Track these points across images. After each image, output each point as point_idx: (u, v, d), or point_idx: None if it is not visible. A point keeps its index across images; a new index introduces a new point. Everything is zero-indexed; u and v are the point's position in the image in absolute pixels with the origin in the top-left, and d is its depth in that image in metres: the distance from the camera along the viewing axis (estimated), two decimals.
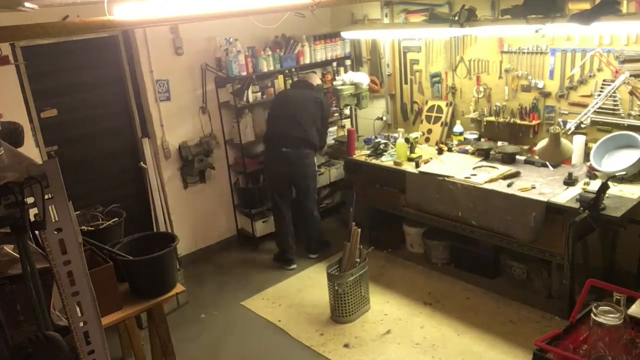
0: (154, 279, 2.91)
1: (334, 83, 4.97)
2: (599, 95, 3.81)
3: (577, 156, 3.95)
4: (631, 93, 3.67)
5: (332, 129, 5.68)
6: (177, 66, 4.77)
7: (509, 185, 3.78)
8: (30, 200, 1.24)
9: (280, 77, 5.18)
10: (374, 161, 4.64)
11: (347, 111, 5.64)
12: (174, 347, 3.19)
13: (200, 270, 4.98)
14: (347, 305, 3.91)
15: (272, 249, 5.22)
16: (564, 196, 3.50)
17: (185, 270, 4.81)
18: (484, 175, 3.99)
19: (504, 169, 4.04)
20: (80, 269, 1.37)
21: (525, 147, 4.32)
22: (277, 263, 4.95)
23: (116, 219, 3.35)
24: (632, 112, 3.70)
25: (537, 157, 4.08)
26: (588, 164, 3.82)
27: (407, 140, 4.50)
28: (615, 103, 3.77)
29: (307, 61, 5.33)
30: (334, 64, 5.59)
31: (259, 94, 5.04)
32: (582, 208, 3.31)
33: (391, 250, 4.91)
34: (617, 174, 3.54)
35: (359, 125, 5.71)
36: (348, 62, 5.60)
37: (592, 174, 3.73)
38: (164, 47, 4.68)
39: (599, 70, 3.81)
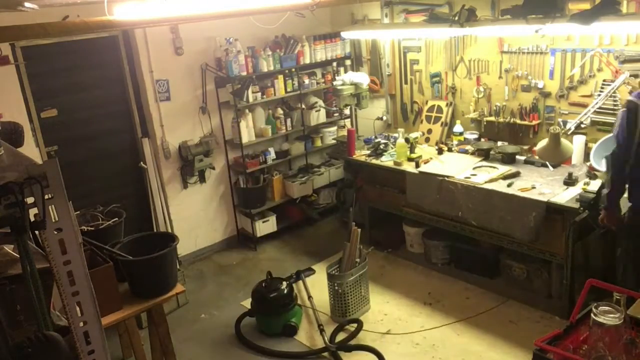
0: (154, 279, 2.91)
1: (334, 83, 4.97)
2: (599, 95, 3.81)
3: (577, 156, 3.95)
4: (631, 93, 3.67)
5: (332, 129, 5.69)
6: (177, 66, 4.77)
7: (509, 185, 3.78)
8: (30, 200, 1.24)
9: (280, 77, 5.18)
10: (374, 161, 4.64)
11: (347, 111, 5.65)
12: (174, 347, 3.19)
13: (200, 270, 4.98)
14: (347, 305, 3.90)
15: (271, 249, 5.23)
16: (564, 196, 3.50)
17: (185, 270, 4.82)
18: (484, 175, 3.99)
19: (504, 169, 4.04)
20: (80, 269, 1.37)
21: (525, 147, 4.32)
22: None
23: (116, 219, 3.35)
24: None
25: (537, 157, 4.08)
26: (588, 164, 3.82)
27: (407, 140, 4.50)
28: (615, 103, 3.76)
29: (307, 61, 5.34)
30: (334, 64, 5.59)
31: (259, 94, 5.04)
32: (582, 208, 3.31)
33: (391, 250, 4.90)
34: None
35: (359, 125, 5.71)
36: (348, 62, 5.60)
37: (592, 174, 3.73)
38: (164, 47, 4.67)
39: (599, 70, 3.81)
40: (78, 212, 3.34)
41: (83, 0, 3.29)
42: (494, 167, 4.11)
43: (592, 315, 2.02)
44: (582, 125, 3.96)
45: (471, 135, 4.63)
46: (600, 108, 3.83)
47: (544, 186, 3.69)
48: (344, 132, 5.31)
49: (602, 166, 3.35)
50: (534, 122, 4.24)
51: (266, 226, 5.29)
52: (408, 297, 4.18)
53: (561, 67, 4.01)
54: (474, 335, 3.66)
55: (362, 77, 4.87)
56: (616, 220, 3.06)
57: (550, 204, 3.48)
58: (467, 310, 3.94)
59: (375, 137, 5.00)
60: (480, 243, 4.27)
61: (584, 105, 3.93)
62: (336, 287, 3.88)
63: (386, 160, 4.57)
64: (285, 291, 3.91)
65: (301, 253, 5.11)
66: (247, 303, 4.29)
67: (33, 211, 1.28)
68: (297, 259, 5.01)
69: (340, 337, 3.76)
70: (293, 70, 5.24)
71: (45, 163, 1.27)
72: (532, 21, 3.38)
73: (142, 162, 4.78)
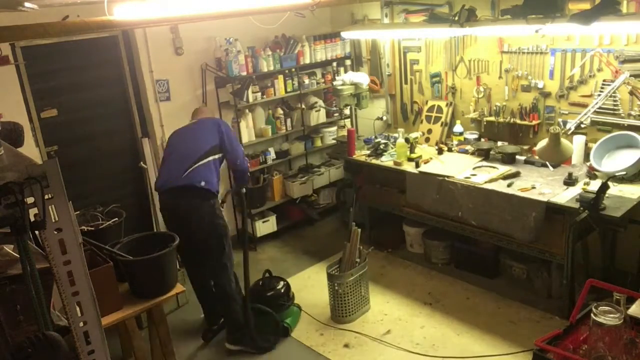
0: (154, 279, 2.91)
1: (334, 83, 4.97)
2: (599, 95, 3.81)
3: (577, 156, 3.95)
4: (631, 93, 3.67)
5: (332, 129, 5.69)
6: (177, 66, 4.77)
7: (509, 185, 3.78)
8: (30, 200, 1.24)
9: (280, 77, 5.18)
10: (374, 161, 4.64)
11: (347, 111, 5.64)
12: (174, 347, 3.19)
13: None
14: (347, 305, 3.90)
15: (271, 249, 5.23)
16: (564, 196, 3.50)
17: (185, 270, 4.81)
18: (484, 175, 3.99)
19: (504, 169, 4.04)
20: (80, 269, 1.37)
21: (525, 147, 4.32)
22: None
23: (116, 219, 3.36)
24: (632, 112, 3.70)
25: (537, 157, 4.08)
26: (588, 164, 3.82)
27: (407, 140, 4.50)
28: (615, 103, 3.76)
29: (307, 61, 5.34)
30: (334, 64, 5.59)
31: (259, 94, 5.04)
32: (582, 208, 3.31)
33: (391, 250, 4.90)
34: (617, 174, 3.54)
35: (359, 125, 5.71)
36: (348, 62, 5.60)
37: (592, 174, 3.73)
38: (164, 47, 4.67)
39: (599, 70, 3.81)
40: (78, 212, 3.34)
41: (83, 0, 3.29)
42: (494, 167, 4.11)
43: (592, 315, 2.02)
44: (582, 125, 3.96)
45: (471, 135, 4.63)
46: (600, 108, 3.83)
47: (544, 186, 3.69)
48: (344, 132, 5.31)
49: (602, 166, 3.24)
50: (534, 122, 4.24)
51: (266, 226, 5.29)
52: (408, 297, 4.18)
53: (561, 67, 4.01)
54: (474, 335, 3.66)
55: (362, 77, 4.87)
56: None
57: (550, 204, 3.48)
58: (467, 310, 3.94)
59: (375, 137, 4.99)
60: (480, 243, 4.27)
61: (584, 105, 3.93)
62: (336, 287, 3.88)
63: (386, 160, 4.57)
64: (282, 290, 3.91)
65: (301, 253, 5.11)
66: None
67: (33, 211, 1.27)
68: (297, 259, 5.01)
69: (340, 338, 3.75)
70: (293, 70, 5.24)
71: (45, 163, 1.27)
72: (532, 21, 3.37)
73: (142, 162, 4.78)
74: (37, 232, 1.43)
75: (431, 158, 4.43)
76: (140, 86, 4.69)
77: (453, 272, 4.46)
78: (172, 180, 3.44)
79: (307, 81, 5.41)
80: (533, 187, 3.69)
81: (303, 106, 5.48)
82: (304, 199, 5.55)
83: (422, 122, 5.03)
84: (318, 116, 5.51)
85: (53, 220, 1.30)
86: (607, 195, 3.34)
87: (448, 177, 4.05)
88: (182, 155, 3.50)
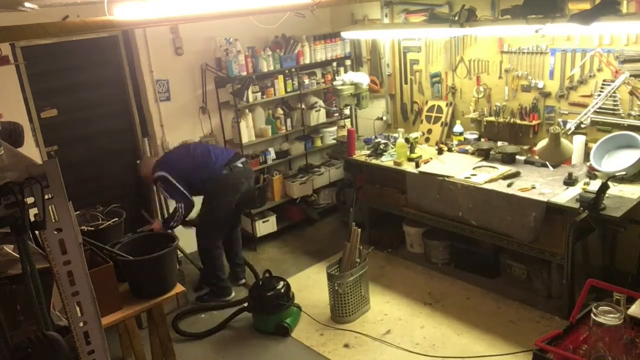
0: (154, 279, 2.91)
1: (334, 83, 4.97)
2: (599, 95, 3.81)
3: (577, 156, 3.95)
4: (631, 93, 3.67)
5: (332, 129, 5.69)
6: (177, 66, 4.77)
7: (509, 185, 3.78)
8: (30, 200, 1.24)
9: (280, 77, 5.18)
10: (374, 161, 4.64)
11: (347, 111, 5.65)
12: (174, 347, 3.19)
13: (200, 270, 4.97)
14: (347, 305, 3.90)
15: (271, 249, 5.23)
16: (564, 196, 3.50)
17: (185, 270, 4.81)
18: (484, 175, 3.99)
19: (504, 169, 4.04)
20: (80, 269, 1.37)
21: (525, 147, 4.32)
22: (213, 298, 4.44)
23: (116, 219, 3.36)
24: (632, 112, 3.71)
25: (537, 157, 4.08)
26: (588, 164, 3.82)
27: (407, 140, 4.50)
28: (615, 103, 3.77)
29: (307, 61, 5.34)
30: (334, 64, 5.59)
31: (259, 94, 5.05)
32: (582, 208, 3.31)
33: (391, 250, 4.90)
34: (617, 174, 3.54)
35: (359, 125, 5.71)
36: (348, 62, 5.60)
37: (592, 174, 3.73)
38: (164, 47, 4.68)
39: (599, 70, 3.81)
40: (78, 212, 3.34)
41: (83, 0, 3.29)
42: (494, 167, 4.11)
43: (592, 315, 2.03)
44: (582, 125, 3.96)
45: (471, 135, 4.63)
46: (600, 108, 3.83)
47: (544, 186, 3.69)
48: (344, 132, 5.30)
49: (602, 166, 3.31)
50: (534, 122, 4.24)
51: (266, 226, 5.29)
52: (408, 297, 4.18)
53: (561, 67, 4.01)
54: (474, 335, 3.66)
55: (362, 77, 4.87)
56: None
57: (550, 204, 3.48)
58: (467, 310, 3.94)
59: (375, 137, 4.99)
60: (480, 243, 4.27)
61: (584, 105, 3.93)
62: (336, 287, 3.88)
63: (386, 160, 4.57)
64: (282, 290, 3.91)
65: (301, 253, 5.11)
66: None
67: (33, 211, 1.27)
68: (297, 259, 5.01)
69: (340, 338, 3.76)
70: (293, 70, 5.24)
71: (45, 163, 1.27)
72: (532, 21, 3.38)
73: None
74: (37, 232, 1.43)
75: (431, 158, 4.44)
76: (140, 86, 4.69)
77: (453, 272, 4.46)
78: (234, 160, 4.25)
79: (307, 81, 5.41)
80: (533, 187, 3.69)
81: (303, 106, 5.48)
82: (304, 199, 5.55)
83: (422, 122, 5.03)
84: (318, 116, 5.51)
85: (53, 220, 1.30)
86: (607, 195, 3.34)
87: (448, 177, 4.05)
88: (220, 149, 4.44)
